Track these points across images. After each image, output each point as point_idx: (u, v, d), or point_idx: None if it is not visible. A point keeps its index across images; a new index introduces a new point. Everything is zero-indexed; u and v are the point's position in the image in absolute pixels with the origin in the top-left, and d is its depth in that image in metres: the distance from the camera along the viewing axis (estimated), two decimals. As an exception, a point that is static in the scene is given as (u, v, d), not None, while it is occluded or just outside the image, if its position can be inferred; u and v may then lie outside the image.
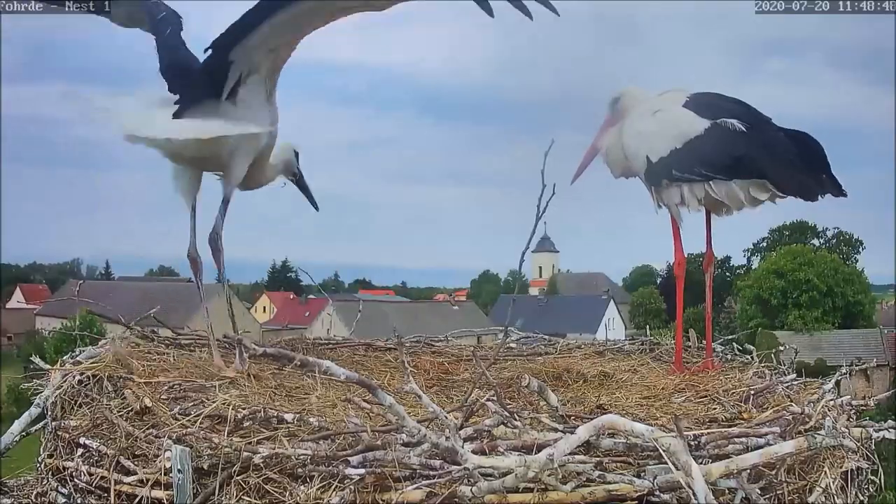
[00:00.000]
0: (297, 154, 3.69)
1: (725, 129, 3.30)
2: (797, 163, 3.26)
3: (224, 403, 2.45)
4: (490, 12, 2.62)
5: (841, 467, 2.49)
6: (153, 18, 3.42)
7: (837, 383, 3.02)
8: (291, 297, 57.67)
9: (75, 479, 2.50)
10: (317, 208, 3.86)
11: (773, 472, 2.27)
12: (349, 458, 2.14)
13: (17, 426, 2.80)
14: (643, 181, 3.64)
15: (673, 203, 3.50)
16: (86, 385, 2.81)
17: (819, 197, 3.30)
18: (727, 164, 3.32)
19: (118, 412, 2.54)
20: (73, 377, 2.83)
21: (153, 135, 2.98)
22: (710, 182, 3.37)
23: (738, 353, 3.89)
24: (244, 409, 2.40)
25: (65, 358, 3.13)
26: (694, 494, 1.91)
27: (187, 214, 3.23)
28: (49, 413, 2.82)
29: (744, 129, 3.28)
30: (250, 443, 2.24)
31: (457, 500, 2.05)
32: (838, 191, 3.30)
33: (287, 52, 3.11)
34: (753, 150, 3.27)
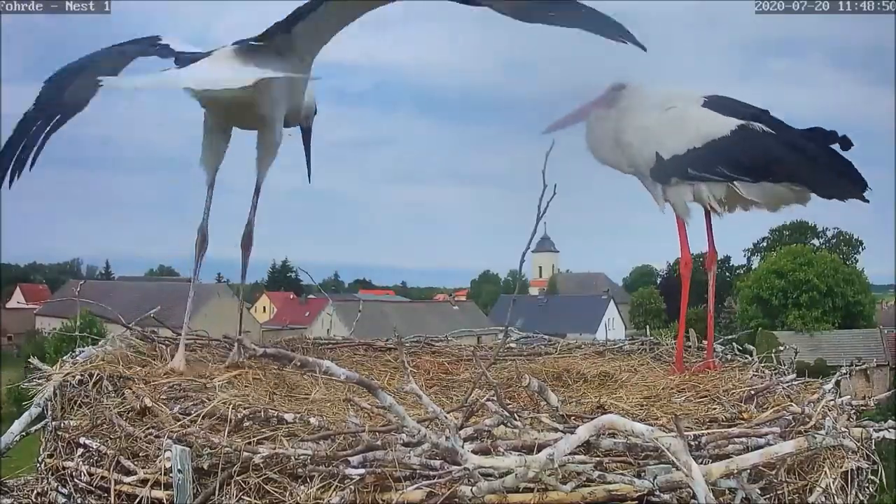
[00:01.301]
0: (315, 109, 3.61)
1: (754, 131, 3.28)
2: (827, 162, 3.25)
3: (224, 403, 2.45)
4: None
5: (841, 467, 2.49)
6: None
7: (837, 383, 3.01)
8: (291, 297, 57.69)
9: (75, 479, 2.50)
10: (309, 178, 3.75)
11: (774, 472, 2.27)
12: (349, 458, 2.14)
13: (17, 426, 2.80)
14: (640, 176, 3.59)
15: (681, 201, 3.48)
16: (86, 385, 2.80)
17: (852, 195, 3.28)
18: (758, 166, 3.29)
19: (118, 412, 2.54)
20: (73, 377, 2.83)
21: (210, 78, 2.88)
22: (735, 182, 3.34)
23: (738, 353, 3.88)
24: (244, 409, 2.40)
25: (65, 358, 3.13)
26: (694, 494, 1.92)
27: (206, 187, 3.19)
28: (49, 413, 2.82)
29: (771, 131, 3.27)
30: (250, 443, 2.24)
31: (457, 500, 2.06)
32: (861, 188, 3.26)
33: (329, 37, 3.07)
34: (786, 154, 3.26)
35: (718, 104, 3.41)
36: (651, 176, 3.51)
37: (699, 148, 3.35)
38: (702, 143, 3.34)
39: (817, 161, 3.26)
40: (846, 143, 3.25)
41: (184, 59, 3.07)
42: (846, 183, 3.26)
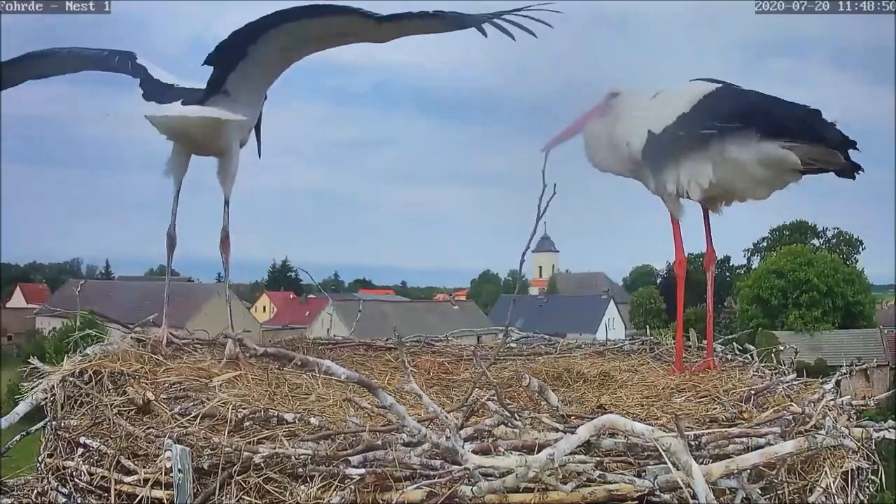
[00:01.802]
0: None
1: (737, 88, 3.35)
2: (809, 117, 3.19)
3: (224, 403, 2.45)
4: (484, 33, 2.94)
5: (841, 467, 2.49)
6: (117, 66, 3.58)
7: (837, 383, 3.01)
8: (291, 296, 57.66)
9: (75, 479, 2.50)
10: (259, 155, 3.90)
11: (774, 472, 2.27)
12: (349, 458, 2.15)
13: (21, 407, 2.78)
14: (637, 168, 3.59)
15: (671, 194, 3.47)
16: (86, 384, 2.80)
17: (837, 147, 3.17)
18: (747, 112, 3.26)
19: (118, 412, 2.54)
20: (74, 376, 2.83)
21: (170, 113, 3.23)
22: (725, 141, 3.28)
23: (738, 353, 3.88)
24: (244, 409, 2.40)
25: (66, 357, 3.12)
26: (694, 494, 1.91)
27: (172, 197, 3.50)
28: (49, 412, 2.82)
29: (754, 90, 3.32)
30: (250, 443, 2.24)
31: (457, 500, 2.06)
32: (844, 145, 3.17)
33: (297, 56, 3.32)
34: (772, 104, 3.27)
35: (703, 78, 3.48)
36: (643, 158, 3.49)
37: (687, 112, 3.35)
38: (689, 107, 3.35)
39: (801, 112, 3.21)
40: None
41: (150, 87, 3.39)
42: (825, 129, 3.15)
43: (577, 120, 3.79)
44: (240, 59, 3.21)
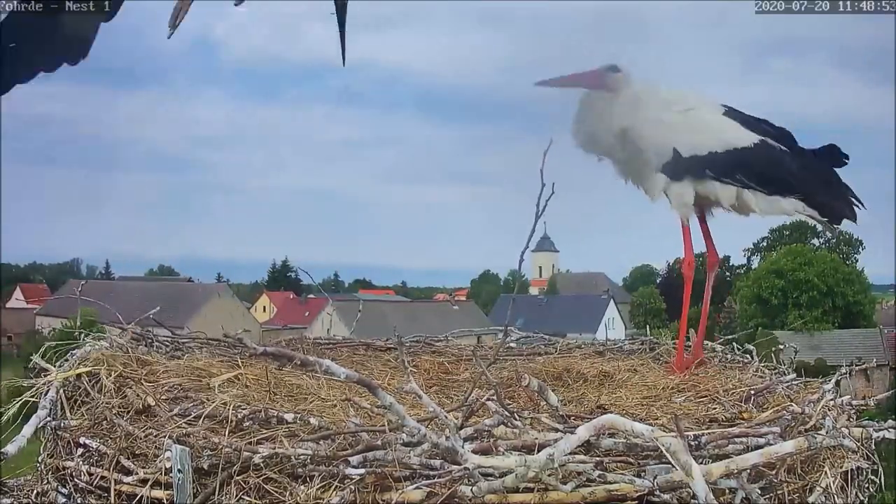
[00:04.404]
0: None
1: (773, 148, 3.46)
2: (833, 184, 3.47)
3: (224, 403, 2.45)
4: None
5: (841, 467, 2.49)
6: None
7: (837, 383, 3.01)
8: (291, 296, 57.69)
9: (75, 479, 2.50)
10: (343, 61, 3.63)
11: (774, 472, 2.27)
12: (349, 458, 2.15)
13: (27, 430, 2.77)
14: (638, 166, 3.60)
15: (683, 200, 3.51)
16: (86, 385, 2.80)
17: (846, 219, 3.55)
18: (774, 179, 3.47)
19: (118, 412, 2.54)
20: (74, 377, 2.82)
21: None
22: (747, 191, 3.48)
23: (738, 353, 3.88)
24: (244, 409, 2.40)
25: (65, 357, 3.12)
26: (694, 494, 1.91)
27: None
28: (49, 413, 2.81)
29: (787, 149, 3.46)
30: (250, 443, 2.24)
31: (457, 500, 2.06)
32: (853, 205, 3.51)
33: None
34: (800, 172, 3.46)
35: (738, 117, 3.52)
36: (663, 170, 3.51)
37: (720, 153, 3.45)
38: (723, 149, 3.45)
39: (827, 183, 3.48)
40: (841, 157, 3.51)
41: None
42: (844, 206, 3.51)
43: (575, 75, 3.68)
44: None
